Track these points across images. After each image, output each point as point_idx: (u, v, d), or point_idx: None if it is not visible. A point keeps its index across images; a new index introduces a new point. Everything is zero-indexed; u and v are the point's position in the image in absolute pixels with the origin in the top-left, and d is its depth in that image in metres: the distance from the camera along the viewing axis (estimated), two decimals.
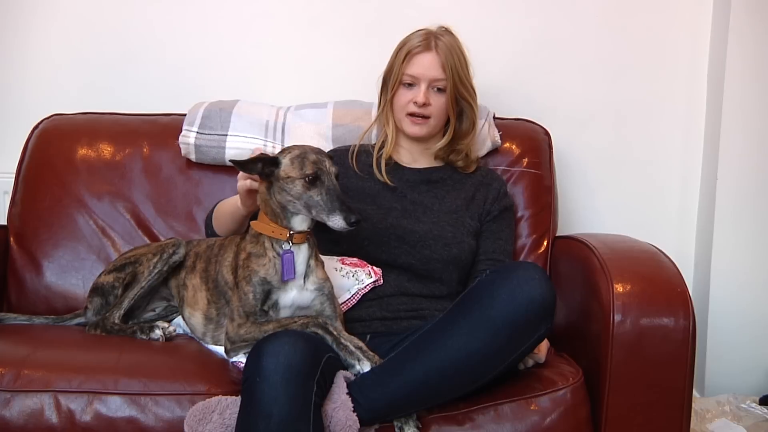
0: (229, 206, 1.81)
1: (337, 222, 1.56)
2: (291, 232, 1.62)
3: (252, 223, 1.66)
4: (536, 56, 2.41)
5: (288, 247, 1.62)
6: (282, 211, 1.61)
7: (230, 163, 1.68)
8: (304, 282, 1.65)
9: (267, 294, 1.62)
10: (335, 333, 1.59)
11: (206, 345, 1.75)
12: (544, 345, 1.68)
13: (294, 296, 1.64)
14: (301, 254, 1.64)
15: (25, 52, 2.39)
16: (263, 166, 1.58)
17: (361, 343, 1.60)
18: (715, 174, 2.35)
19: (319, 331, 1.58)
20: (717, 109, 2.35)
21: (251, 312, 1.61)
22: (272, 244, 1.63)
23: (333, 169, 1.60)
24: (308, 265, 1.66)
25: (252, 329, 1.59)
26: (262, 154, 1.60)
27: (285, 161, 1.59)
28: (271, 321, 1.61)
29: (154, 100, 2.35)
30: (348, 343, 1.59)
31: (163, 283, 1.85)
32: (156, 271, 1.80)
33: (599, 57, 2.42)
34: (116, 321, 1.78)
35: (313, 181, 1.57)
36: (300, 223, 1.63)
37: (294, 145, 1.65)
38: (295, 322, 1.59)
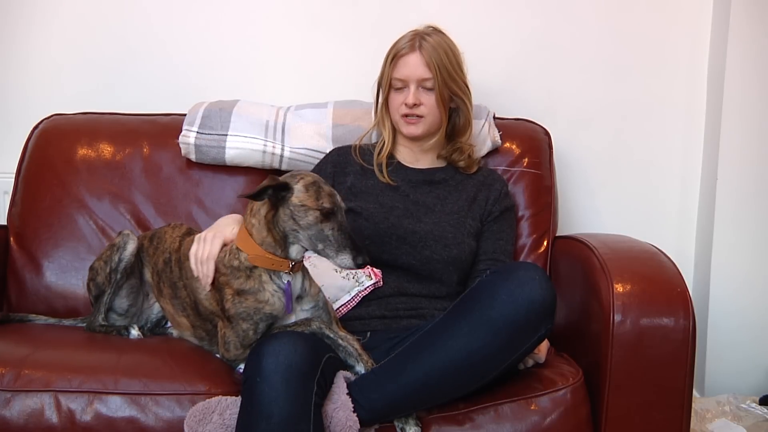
0: None
1: (344, 261, 1.52)
2: (292, 263, 1.57)
3: (249, 258, 1.56)
4: (536, 56, 2.41)
5: (288, 279, 1.58)
6: (282, 239, 1.56)
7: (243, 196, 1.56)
8: (301, 304, 1.62)
9: (270, 326, 1.58)
10: (332, 335, 1.58)
11: None
12: (544, 345, 1.68)
13: (293, 319, 1.61)
14: (298, 282, 1.60)
15: (26, 52, 2.38)
16: (273, 191, 1.51)
17: (357, 345, 1.60)
18: (715, 174, 2.35)
19: (321, 334, 1.58)
20: (717, 109, 2.35)
21: (250, 344, 1.57)
22: (270, 277, 1.57)
23: (343, 205, 1.57)
24: (302, 288, 1.62)
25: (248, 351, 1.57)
26: (271, 179, 1.52)
27: (298, 187, 1.52)
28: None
29: (154, 100, 2.35)
30: (346, 344, 1.59)
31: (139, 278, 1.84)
32: (113, 280, 1.78)
33: (599, 57, 2.42)
34: (101, 323, 1.80)
35: (328, 214, 1.52)
36: (297, 252, 1.57)
37: (301, 171, 1.59)
38: (292, 328, 1.58)
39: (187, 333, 1.75)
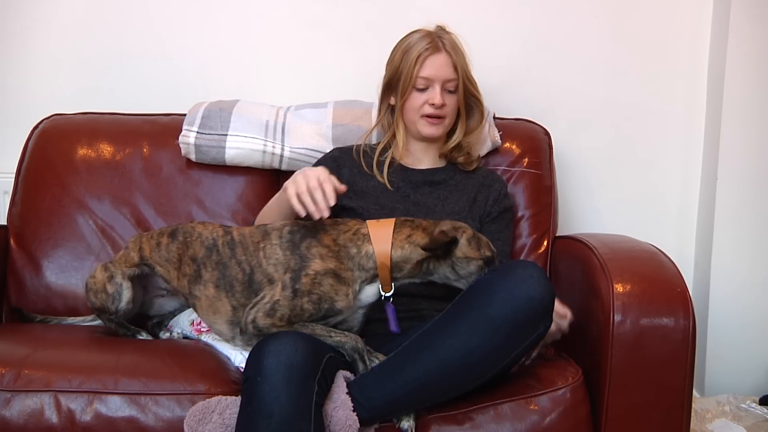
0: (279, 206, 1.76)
1: None
2: (392, 291, 1.61)
3: (379, 260, 1.58)
4: (536, 56, 2.41)
5: (387, 295, 1.61)
6: (415, 274, 1.61)
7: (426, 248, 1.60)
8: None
9: (324, 318, 1.59)
10: (367, 362, 1.57)
11: (224, 350, 1.73)
12: (562, 309, 1.68)
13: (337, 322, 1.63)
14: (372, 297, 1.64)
15: (25, 52, 2.39)
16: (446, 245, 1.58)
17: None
18: (715, 174, 2.35)
19: (355, 356, 1.56)
20: (717, 109, 2.35)
21: (295, 322, 1.56)
22: (360, 282, 1.60)
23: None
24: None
25: (286, 328, 1.56)
26: (441, 234, 1.57)
27: (462, 241, 1.59)
28: (307, 327, 1.56)
29: (154, 100, 2.35)
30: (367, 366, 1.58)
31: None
32: (117, 317, 1.77)
33: (599, 57, 2.42)
34: (113, 327, 1.80)
35: (489, 262, 1.60)
36: (405, 286, 1.65)
37: (457, 223, 1.63)
38: (331, 337, 1.56)
39: (220, 321, 1.68)
